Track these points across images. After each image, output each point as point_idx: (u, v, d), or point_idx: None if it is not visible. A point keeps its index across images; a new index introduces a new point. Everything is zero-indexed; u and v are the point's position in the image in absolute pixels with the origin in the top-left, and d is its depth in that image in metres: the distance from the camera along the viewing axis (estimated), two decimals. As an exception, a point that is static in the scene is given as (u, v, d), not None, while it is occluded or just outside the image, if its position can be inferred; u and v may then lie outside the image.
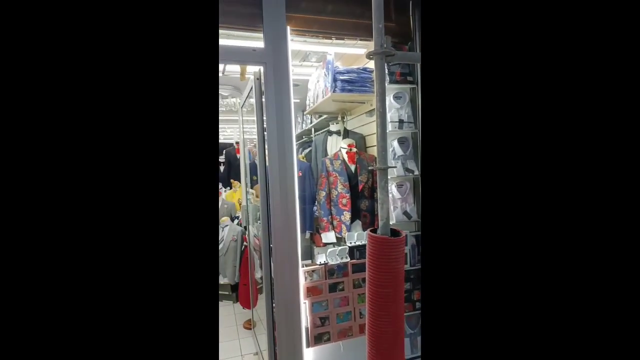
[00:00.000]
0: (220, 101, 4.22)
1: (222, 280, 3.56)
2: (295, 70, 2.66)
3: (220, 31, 1.73)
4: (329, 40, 1.98)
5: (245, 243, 3.46)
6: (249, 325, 3.11)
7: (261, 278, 2.45)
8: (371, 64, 1.20)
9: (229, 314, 3.48)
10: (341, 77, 2.19)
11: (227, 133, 5.72)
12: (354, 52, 2.23)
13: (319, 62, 2.58)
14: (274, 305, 1.86)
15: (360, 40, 2.01)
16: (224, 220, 3.67)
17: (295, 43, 1.94)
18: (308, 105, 2.77)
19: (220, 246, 3.54)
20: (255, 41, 1.79)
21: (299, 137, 3.58)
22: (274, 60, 1.73)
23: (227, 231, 3.57)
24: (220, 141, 5.40)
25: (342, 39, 1.98)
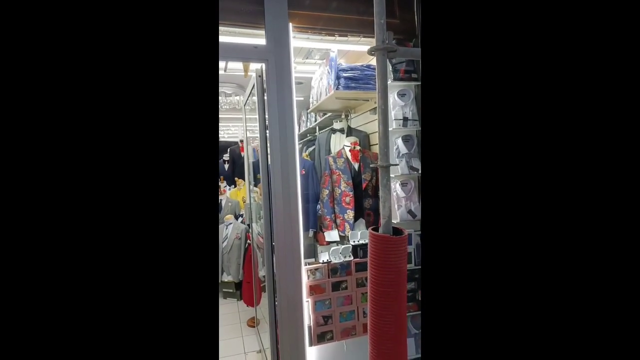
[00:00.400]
0: (224, 99, 4.21)
1: (226, 277, 3.57)
2: (299, 68, 2.64)
3: (222, 28, 1.72)
4: (332, 38, 1.96)
5: (248, 241, 3.46)
6: (253, 323, 3.12)
7: (264, 276, 2.45)
8: (375, 61, 1.18)
9: (232, 311, 3.50)
10: (344, 75, 2.18)
11: (231, 131, 5.72)
12: (358, 49, 2.21)
13: (322, 60, 2.56)
14: (276, 303, 1.86)
15: (364, 37, 1.98)
16: (228, 218, 3.68)
17: (298, 40, 1.92)
18: (312, 103, 2.76)
19: (224, 244, 3.55)
20: (257, 38, 1.77)
21: (303, 135, 3.57)
22: (276, 57, 1.72)
23: (231, 229, 3.57)
24: (224, 139, 5.41)
25: (346, 36, 1.96)
